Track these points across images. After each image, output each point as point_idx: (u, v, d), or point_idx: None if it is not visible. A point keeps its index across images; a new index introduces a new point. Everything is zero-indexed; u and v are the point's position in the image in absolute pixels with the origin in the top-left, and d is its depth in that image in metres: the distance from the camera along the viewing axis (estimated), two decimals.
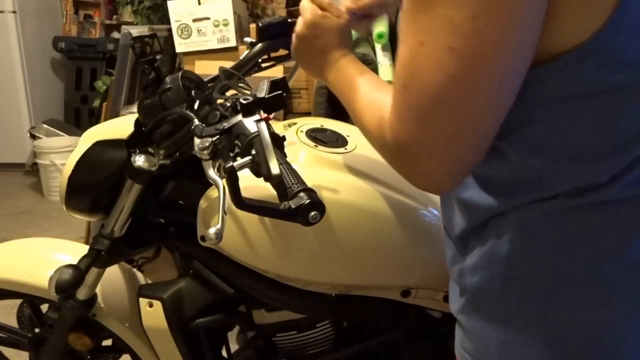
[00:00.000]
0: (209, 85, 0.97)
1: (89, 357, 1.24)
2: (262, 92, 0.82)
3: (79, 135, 1.11)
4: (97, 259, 0.99)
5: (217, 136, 0.76)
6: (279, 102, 0.81)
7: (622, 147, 0.53)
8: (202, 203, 0.95)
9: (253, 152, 0.72)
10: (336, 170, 0.93)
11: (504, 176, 0.58)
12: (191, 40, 2.24)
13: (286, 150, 0.76)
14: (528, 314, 0.59)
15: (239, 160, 0.72)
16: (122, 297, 1.14)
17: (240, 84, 0.91)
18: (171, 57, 2.45)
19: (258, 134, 0.72)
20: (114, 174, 0.99)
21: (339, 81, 0.78)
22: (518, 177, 0.57)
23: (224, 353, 1.15)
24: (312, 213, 0.67)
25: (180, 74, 0.92)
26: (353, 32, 0.91)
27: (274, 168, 0.68)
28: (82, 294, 1.04)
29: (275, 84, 0.85)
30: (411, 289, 0.98)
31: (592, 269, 0.55)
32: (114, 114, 2.35)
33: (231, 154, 0.75)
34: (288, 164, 0.71)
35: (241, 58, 1.03)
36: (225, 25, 2.21)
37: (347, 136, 1.00)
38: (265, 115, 0.77)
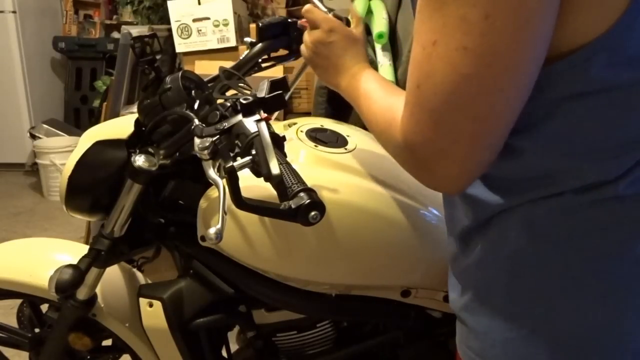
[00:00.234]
0: (209, 85, 0.97)
1: (89, 357, 1.24)
2: (262, 92, 0.82)
3: (79, 135, 1.11)
4: (97, 259, 0.99)
5: (217, 136, 0.76)
6: (279, 102, 0.81)
7: (633, 144, 0.53)
8: (202, 203, 0.95)
9: (253, 152, 0.72)
10: (336, 170, 0.93)
11: (512, 173, 0.58)
12: (191, 40, 2.24)
13: (286, 150, 0.76)
14: (534, 310, 0.59)
15: (239, 160, 0.71)
16: (122, 297, 1.14)
17: (240, 84, 0.91)
18: (171, 57, 2.45)
19: (258, 134, 0.72)
20: (114, 174, 0.99)
21: (352, 87, 0.79)
22: (527, 174, 0.57)
23: (224, 353, 1.15)
24: (312, 213, 0.67)
25: (180, 74, 0.92)
26: None
27: (274, 168, 0.68)
28: (82, 294, 1.04)
29: (275, 84, 0.85)
30: (411, 289, 0.98)
31: (598, 264, 0.55)
32: (114, 114, 2.35)
33: (231, 154, 0.74)
34: (288, 164, 0.70)
35: (241, 58, 1.04)
36: (225, 25, 2.20)
37: (347, 136, 1.00)
38: (266, 115, 0.77)
